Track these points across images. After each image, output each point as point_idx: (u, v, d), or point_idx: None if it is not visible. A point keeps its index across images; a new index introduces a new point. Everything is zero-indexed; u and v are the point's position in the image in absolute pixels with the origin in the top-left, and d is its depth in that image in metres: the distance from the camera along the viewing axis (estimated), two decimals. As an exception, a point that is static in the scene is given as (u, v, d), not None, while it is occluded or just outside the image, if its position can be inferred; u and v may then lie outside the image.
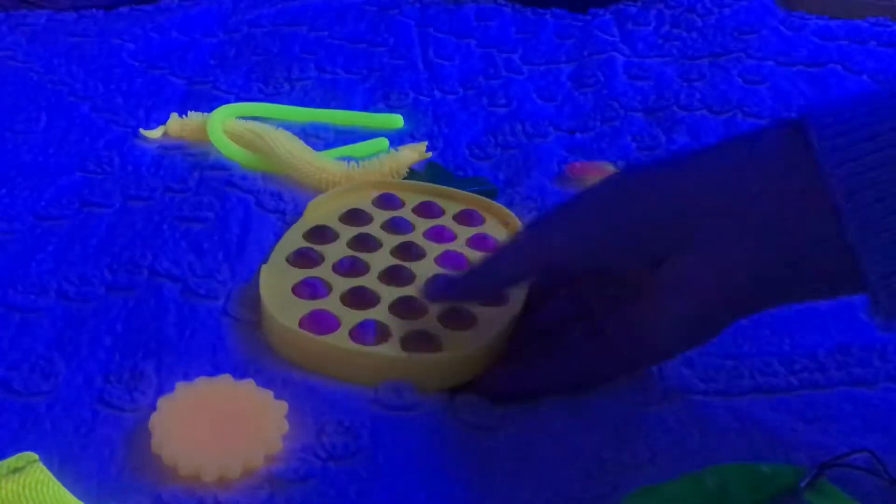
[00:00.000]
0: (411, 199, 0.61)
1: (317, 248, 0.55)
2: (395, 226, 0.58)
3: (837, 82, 0.80)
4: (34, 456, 0.42)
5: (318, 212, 0.59)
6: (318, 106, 0.76)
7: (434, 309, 0.50)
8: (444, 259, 0.55)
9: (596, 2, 0.93)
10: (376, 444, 0.44)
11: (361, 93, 0.79)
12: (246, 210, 0.61)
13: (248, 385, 0.46)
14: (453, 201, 0.61)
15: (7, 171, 0.66)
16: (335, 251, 0.55)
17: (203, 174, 0.65)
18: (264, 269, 0.53)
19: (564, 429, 0.45)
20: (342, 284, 0.52)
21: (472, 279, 0.49)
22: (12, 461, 0.41)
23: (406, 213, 0.59)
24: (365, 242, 0.56)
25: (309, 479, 0.42)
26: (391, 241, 0.56)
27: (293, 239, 0.56)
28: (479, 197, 0.61)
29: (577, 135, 0.73)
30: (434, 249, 0.56)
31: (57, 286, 0.54)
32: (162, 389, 0.47)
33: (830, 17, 0.91)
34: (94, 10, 0.91)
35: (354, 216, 0.58)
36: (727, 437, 0.45)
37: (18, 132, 0.71)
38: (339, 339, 0.48)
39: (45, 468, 0.42)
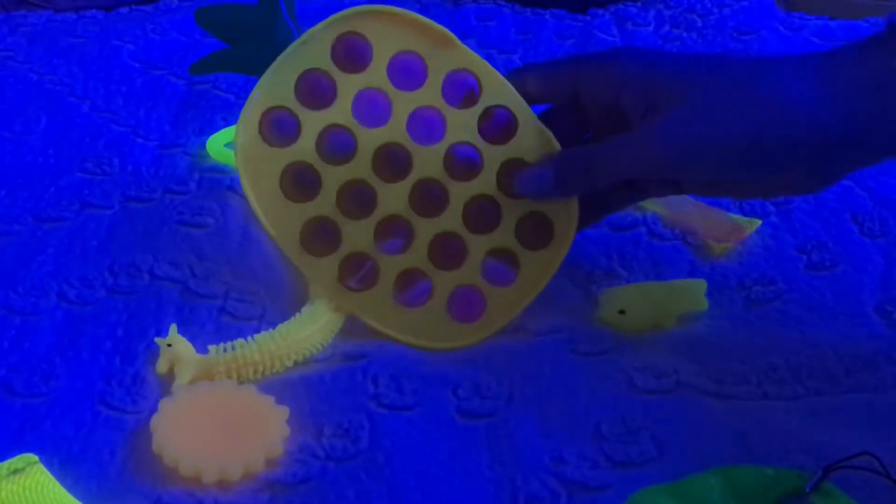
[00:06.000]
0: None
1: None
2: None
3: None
4: (34, 457, 0.42)
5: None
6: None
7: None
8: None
9: (595, 2, 0.93)
10: (376, 445, 0.44)
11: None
12: (245, 216, 0.60)
13: (250, 389, 0.46)
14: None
15: (7, 173, 0.66)
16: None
17: (202, 175, 0.65)
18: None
19: (567, 426, 0.45)
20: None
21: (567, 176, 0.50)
22: (12, 462, 0.41)
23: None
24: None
25: (308, 482, 0.42)
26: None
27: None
28: None
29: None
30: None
31: (58, 288, 0.54)
32: (162, 392, 0.47)
33: (830, 17, 0.91)
34: (94, 11, 0.91)
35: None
36: (733, 438, 0.44)
37: (18, 133, 0.71)
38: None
39: (45, 469, 0.42)
